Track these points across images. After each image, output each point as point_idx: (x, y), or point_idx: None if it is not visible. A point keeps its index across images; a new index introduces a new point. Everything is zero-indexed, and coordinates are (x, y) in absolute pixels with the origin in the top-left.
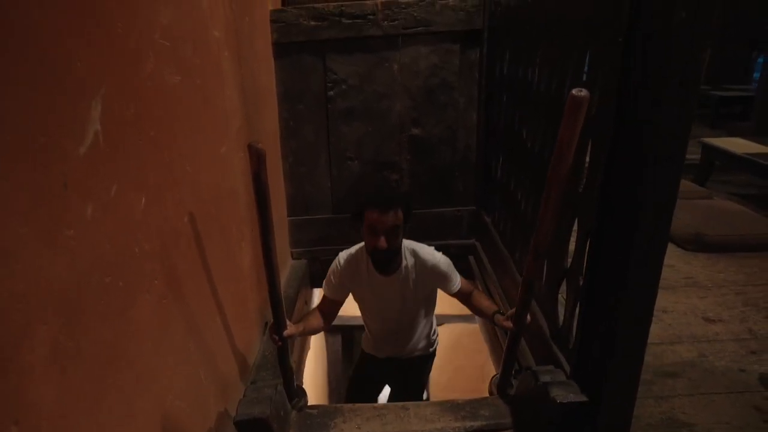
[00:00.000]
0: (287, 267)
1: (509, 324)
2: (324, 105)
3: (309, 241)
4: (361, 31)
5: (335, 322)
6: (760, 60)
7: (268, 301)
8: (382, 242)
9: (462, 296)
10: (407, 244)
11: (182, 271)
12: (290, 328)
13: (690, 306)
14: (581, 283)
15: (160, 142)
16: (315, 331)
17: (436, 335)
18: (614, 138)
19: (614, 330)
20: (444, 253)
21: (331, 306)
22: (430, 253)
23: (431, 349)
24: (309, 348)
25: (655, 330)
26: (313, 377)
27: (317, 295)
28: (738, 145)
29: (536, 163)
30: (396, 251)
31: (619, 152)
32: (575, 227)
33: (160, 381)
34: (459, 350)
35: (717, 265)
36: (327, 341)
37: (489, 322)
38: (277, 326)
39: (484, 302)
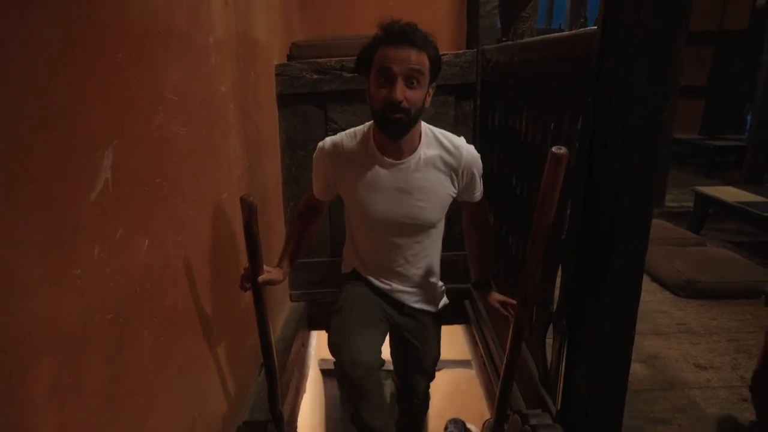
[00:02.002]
0: (285, 309)
1: (496, 304)
2: None
3: (308, 283)
4: (361, 84)
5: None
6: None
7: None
8: (398, 91)
9: (477, 212)
10: (429, 128)
11: (180, 310)
12: (269, 273)
13: (682, 352)
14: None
15: (165, 189)
16: (302, 247)
17: (443, 289)
18: (587, 190)
19: (594, 372)
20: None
21: (316, 203)
22: (458, 138)
23: (439, 306)
24: (305, 391)
25: (647, 376)
26: (309, 423)
27: (315, 337)
28: (730, 194)
29: (525, 210)
30: (414, 115)
31: (593, 203)
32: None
33: (154, 418)
34: (457, 396)
35: (710, 312)
36: (325, 385)
37: (473, 273)
38: (253, 270)
39: (487, 242)
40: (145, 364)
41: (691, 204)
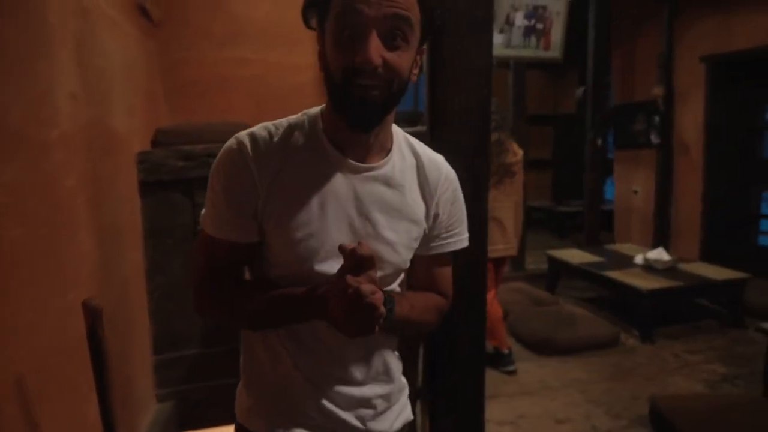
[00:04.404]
0: (150, 412)
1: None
2: (193, 240)
3: (177, 379)
4: None
5: None
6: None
7: None
8: (373, 50)
9: (441, 285)
10: (395, 127)
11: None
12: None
13: (543, 409)
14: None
15: None
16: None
17: (405, 387)
18: None
19: None
20: None
21: (224, 262)
22: (435, 153)
23: (407, 415)
24: None
25: None
26: None
27: None
28: (573, 256)
29: None
30: (396, 91)
31: None
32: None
33: None
34: None
35: (566, 366)
36: None
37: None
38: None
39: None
40: None
41: (545, 266)
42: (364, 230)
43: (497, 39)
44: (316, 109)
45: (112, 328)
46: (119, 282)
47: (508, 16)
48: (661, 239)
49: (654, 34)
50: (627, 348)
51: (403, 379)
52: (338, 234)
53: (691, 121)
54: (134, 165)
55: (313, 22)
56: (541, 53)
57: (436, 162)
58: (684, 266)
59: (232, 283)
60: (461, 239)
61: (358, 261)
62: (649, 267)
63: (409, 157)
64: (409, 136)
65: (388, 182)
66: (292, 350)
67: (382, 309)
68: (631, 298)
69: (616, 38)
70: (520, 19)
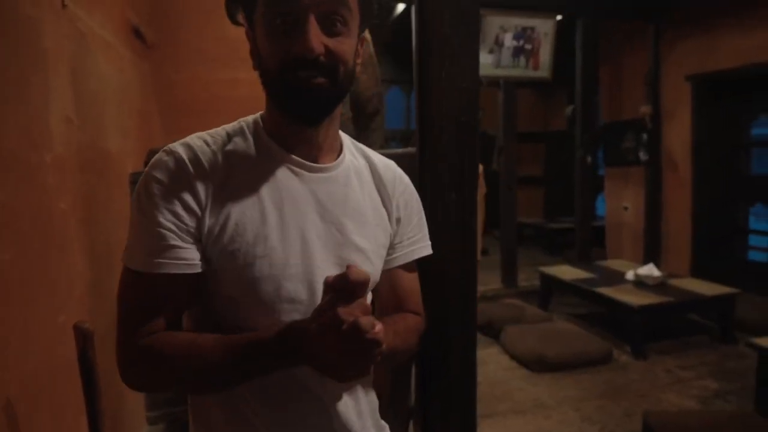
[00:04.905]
0: None
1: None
2: None
3: (168, 401)
4: None
5: None
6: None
7: None
8: (313, 36)
9: (410, 296)
10: (348, 138)
11: None
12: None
13: (537, 427)
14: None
15: None
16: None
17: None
18: None
19: None
20: None
21: (159, 307)
22: (390, 160)
23: None
24: None
25: None
26: None
27: None
28: (565, 272)
29: None
30: (343, 80)
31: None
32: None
33: None
34: None
35: (559, 383)
36: None
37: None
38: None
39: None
40: None
41: (538, 283)
42: (332, 238)
43: (487, 59)
44: (253, 115)
45: (104, 350)
46: (111, 304)
47: (497, 37)
48: (651, 255)
49: (640, 54)
50: (620, 364)
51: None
52: (303, 245)
53: (678, 138)
54: (127, 185)
55: (240, 17)
56: (531, 73)
57: (387, 163)
58: (674, 282)
59: (173, 337)
60: (425, 246)
61: (349, 289)
62: (640, 283)
63: (360, 159)
64: (353, 140)
65: (347, 183)
66: (263, 412)
67: (384, 344)
68: (623, 314)
69: (603, 58)
70: (509, 40)
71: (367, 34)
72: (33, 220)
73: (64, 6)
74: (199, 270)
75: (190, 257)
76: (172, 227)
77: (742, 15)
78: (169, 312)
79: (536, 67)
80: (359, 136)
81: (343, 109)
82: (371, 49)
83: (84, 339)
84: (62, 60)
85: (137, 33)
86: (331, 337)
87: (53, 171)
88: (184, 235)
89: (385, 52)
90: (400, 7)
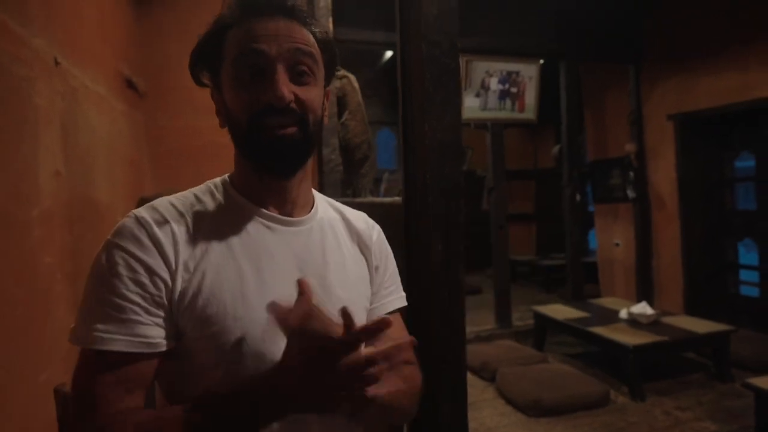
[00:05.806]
0: None
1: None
2: None
3: None
4: None
5: None
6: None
7: None
8: (281, 83)
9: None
10: (319, 194)
11: None
12: None
13: None
14: None
15: None
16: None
17: None
18: None
19: None
20: None
21: (123, 391)
22: (362, 214)
23: None
24: None
25: None
26: None
27: None
28: (558, 311)
29: None
30: (313, 130)
31: None
32: None
33: None
34: None
35: (555, 428)
36: None
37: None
38: None
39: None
40: None
41: (532, 322)
42: (315, 293)
43: (474, 102)
44: (220, 177)
45: None
46: None
47: (483, 81)
48: (644, 292)
49: (623, 94)
50: (617, 406)
51: None
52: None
53: (664, 175)
54: None
55: (204, 77)
56: (517, 115)
57: (358, 214)
58: (668, 320)
59: (133, 416)
60: (400, 296)
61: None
62: (633, 321)
63: (332, 212)
64: (324, 195)
65: (323, 236)
66: None
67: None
68: (618, 353)
69: (587, 98)
70: (494, 84)
71: (355, 83)
72: (18, 276)
73: (57, 64)
74: (163, 349)
75: (151, 335)
76: (137, 299)
77: (715, 57)
78: (135, 398)
79: (522, 110)
80: (349, 181)
81: (332, 156)
82: (359, 97)
83: (64, 404)
84: (53, 115)
85: (130, 84)
86: (312, 354)
87: (40, 225)
88: (150, 307)
89: (375, 95)
90: (389, 53)
